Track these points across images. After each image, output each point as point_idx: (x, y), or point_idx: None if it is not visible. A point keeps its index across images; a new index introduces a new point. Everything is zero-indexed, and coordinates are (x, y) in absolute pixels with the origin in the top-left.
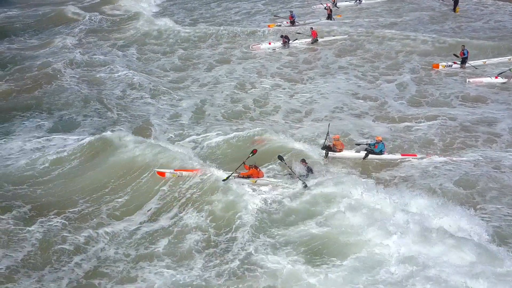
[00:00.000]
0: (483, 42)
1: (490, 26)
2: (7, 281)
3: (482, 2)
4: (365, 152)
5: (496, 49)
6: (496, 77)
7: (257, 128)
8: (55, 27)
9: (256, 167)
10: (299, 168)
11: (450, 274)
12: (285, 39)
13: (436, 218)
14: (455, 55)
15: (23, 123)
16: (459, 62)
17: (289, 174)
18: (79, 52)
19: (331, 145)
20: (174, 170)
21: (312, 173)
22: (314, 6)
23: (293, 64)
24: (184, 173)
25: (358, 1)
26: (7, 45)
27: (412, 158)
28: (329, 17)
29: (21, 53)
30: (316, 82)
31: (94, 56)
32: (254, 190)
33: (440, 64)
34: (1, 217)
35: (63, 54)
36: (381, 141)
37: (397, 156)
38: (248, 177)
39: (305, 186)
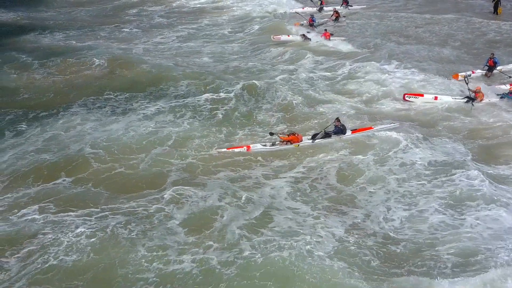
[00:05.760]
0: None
1: None
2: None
3: None
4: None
5: None
6: (511, 85)
7: None
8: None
9: (293, 133)
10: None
11: None
12: (304, 36)
13: None
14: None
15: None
16: (485, 70)
17: (323, 136)
18: None
19: (474, 96)
20: (227, 148)
21: (345, 133)
22: (294, 10)
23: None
24: (235, 150)
25: (345, 6)
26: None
27: None
28: (337, 19)
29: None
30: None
31: None
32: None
33: (459, 74)
34: None
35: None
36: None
37: None
38: (290, 142)
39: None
